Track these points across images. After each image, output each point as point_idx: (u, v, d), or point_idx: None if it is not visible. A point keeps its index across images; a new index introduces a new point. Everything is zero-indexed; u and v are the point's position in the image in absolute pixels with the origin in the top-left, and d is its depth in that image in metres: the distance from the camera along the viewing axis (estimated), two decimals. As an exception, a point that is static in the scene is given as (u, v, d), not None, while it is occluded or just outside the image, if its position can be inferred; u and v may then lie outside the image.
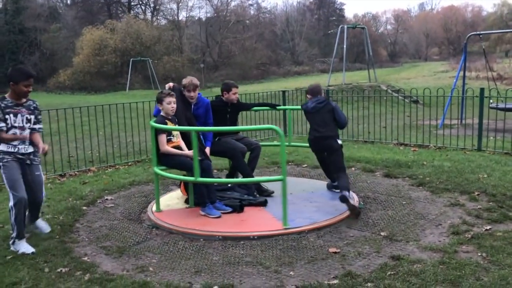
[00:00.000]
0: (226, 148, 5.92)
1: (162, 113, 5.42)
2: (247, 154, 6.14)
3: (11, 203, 4.42)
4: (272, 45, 56.71)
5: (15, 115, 4.48)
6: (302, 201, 5.68)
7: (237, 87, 6.24)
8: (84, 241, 4.79)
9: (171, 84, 5.84)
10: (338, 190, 5.78)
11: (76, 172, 7.99)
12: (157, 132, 5.30)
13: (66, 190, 6.65)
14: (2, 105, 4.44)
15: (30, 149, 4.60)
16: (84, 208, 5.87)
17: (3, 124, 4.41)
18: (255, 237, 4.66)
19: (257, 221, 5.11)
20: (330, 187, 6.18)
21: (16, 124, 4.49)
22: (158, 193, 5.61)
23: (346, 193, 5.27)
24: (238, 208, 5.38)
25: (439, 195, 5.82)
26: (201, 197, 5.37)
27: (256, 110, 7.22)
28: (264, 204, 5.58)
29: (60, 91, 37.66)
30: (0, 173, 4.52)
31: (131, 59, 37.78)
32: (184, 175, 5.53)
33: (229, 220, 5.14)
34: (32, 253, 4.41)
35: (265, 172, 7.46)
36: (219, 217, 5.19)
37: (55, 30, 44.00)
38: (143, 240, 4.78)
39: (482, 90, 8.76)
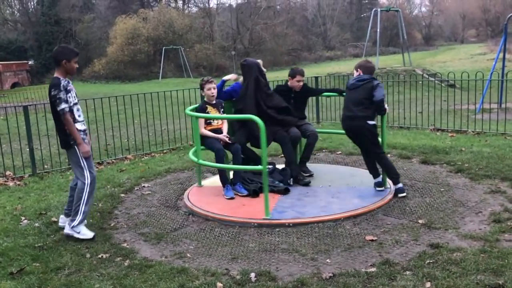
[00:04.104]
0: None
1: (205, 98, 5.96)
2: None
3: (87, 181, 4.56)
4: (303, 30, 56.15)
5: (72, 92, 4.56)
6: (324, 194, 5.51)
7: (302, 75, 6.18)
8: (123, 227, 4.90)
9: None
10: (382, 189, 5.46)
11: (113, 160, 8.16)
12: (198, 116, 5.71)
13: (104, 178, 6.81)
14: (64, 83, 4.45)
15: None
16: (122, 195, 6.00)
17: (64, 106, 4.42)
18: (291, 224, 4.66)
19: (248, 208, 5.18)
20: (375, 186, 5.54)
21: (76, 101, 4.60)
22: (199, 172, 6.04)
23: (400, 186, 5.35)
24: (251, 193, 5.53)
25: (479, 181, 5.67)
26: (220, 178, 5.70)
27: (327, 96, 7.26)
28: (284, 192, 5.54)
29: (95, 81, 38.41)
30: (76, 152, 4.57)
31: (164, 48, 38.15)
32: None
33: (233, 203, 5.35)
34: (93, 237, 4.55)
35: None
36: (232, 198, 5.47)
37: (89, 20, 44.79)
38: (180, 226, 4.86)
39: (523, 73, 8.44)
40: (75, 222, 4.57)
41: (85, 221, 4.71)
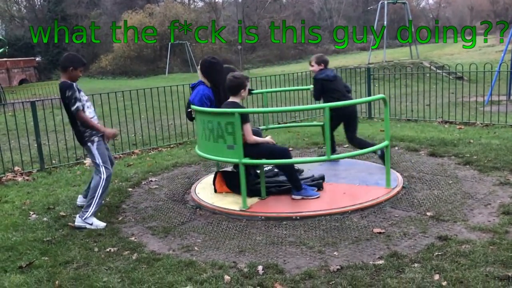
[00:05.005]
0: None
1: (236, 100, 5.03)
2: None
3: (103, 176, 4.82)
4: (310, 23, 55.85)
5: (82, 91, 4.88)
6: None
7: None
8: (131, 221, 4.92)
9: None
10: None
11: (120, 155, 8.19)
12: (243, 121, 4.79)
13: (112, 173, 6.82)
14: (75, 85, 4.78)
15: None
16: (130, 189, 6.03)
17: (78, 104, 4.72)
18: (298, 218, 4.65)
19: (359, 191, 5.20)
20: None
21: (86, 98, 4.91)
22: (245, 189, 4.90)
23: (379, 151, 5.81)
24: (321, 187, 5.34)
25: (488, 173, 5.63)
26: (296, 182, 5.10)
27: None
28: (323, 179, 5.56)
29: (102, 76, 38.53)
30: (90, 149, 4.88)
31: (170, 43, 38.15)
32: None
33: (326, 198, 5.07)
34: (105, 227, 4.74)
35: (306, 153, 7.41)
36: (319, 197, 5.09)
37: (95, 16, 44.84)
38: (188, 220, 4.87)
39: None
40: (88, 214, 4.75)
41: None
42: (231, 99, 5.08)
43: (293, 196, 5.10)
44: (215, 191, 5.51)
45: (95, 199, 4.80)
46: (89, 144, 4.84)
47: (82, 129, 4.83)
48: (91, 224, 4.73)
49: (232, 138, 4.78)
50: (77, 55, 5.07)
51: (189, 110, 5.56)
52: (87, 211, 4.76)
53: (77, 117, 4.74)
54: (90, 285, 3.54)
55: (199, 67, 5.63)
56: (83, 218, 4.75)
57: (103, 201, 5.15)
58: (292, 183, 5.12)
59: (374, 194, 5.02)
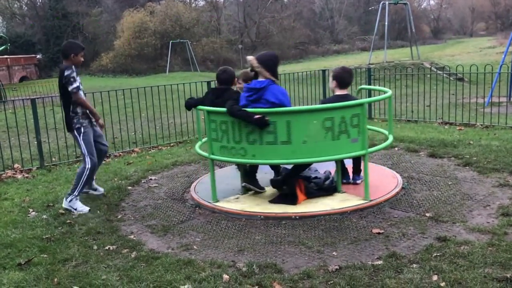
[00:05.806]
0: None
1: (347, 92, 5.24)
2: None
3: (87, 166, 5.06)
4: (311, 23, 55.93)
5: (79, 78, 5.07)
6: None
7: None
8: (130, 219, 4.92)
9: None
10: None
11: (120, 153, 8.19)
12: None
13: (111, 171, 6.83)
14: (74, 69, 4.96)
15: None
16: (129, 188, 6.03)
17: (77, 84, 4.91)
18: (297, 217, 4.66)
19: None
20: None
21: (82, 88, 5.10)
22: (367, 181, 4.93)
23: None
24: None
25: (487, 175, 5.63)
26: (360, 166, 5.45)
27: None
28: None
29: (103, 74, 38.54)
30: (76, 138, 5.10)
31: (171, 42, 38.17)
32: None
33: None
34: (89, 210, 5.06)
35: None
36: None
37: (96, 14, 44.84)
38: (187, 219, 4.87)
39: (533, 65, 8.36)
40: (72, 197, 5.06)
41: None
42: (340, 92, 5.22)
43: (357, 181, 5.44)
44: (295, 203, 4.91)
45: (79, 185, 5.10)
46: (75, 132, 5.01)
47: (72, 115, 5.00)
48: (76, 209, 5.00)
49: (356, 131, 4.69)
50: (76, 41, 5.28)
51: (261, 116, 4.56)
52: (72, 195, 5.05)
53: (74, 97, 4.92)
54: (88, 283, 3.55)
55: (259, 63, 4.74)
56: (68, 201, 5.04)
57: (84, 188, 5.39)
58: (357, 167, 5.48)
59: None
